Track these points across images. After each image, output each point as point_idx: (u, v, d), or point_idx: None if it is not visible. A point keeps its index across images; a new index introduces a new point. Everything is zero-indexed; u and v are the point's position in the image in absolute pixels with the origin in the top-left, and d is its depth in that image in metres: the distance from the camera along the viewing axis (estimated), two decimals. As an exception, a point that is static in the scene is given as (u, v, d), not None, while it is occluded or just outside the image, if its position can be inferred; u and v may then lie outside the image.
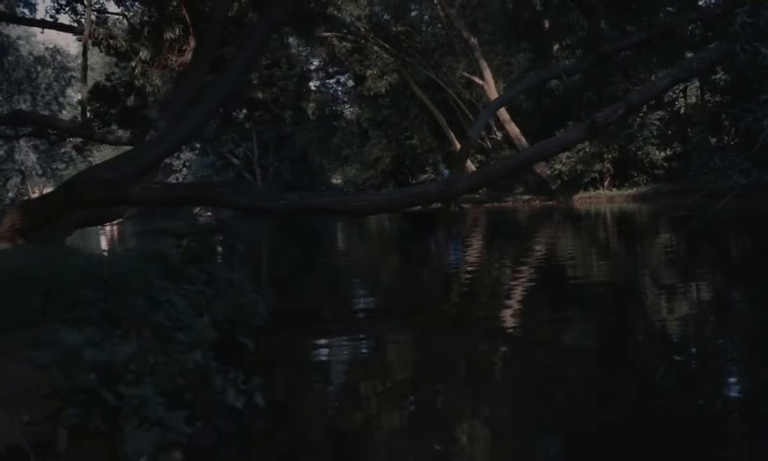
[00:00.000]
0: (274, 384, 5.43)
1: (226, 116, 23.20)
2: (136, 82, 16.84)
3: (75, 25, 17.85)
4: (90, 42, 16.24)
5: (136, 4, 17.91)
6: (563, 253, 13.50)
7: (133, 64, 16.73)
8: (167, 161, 64.90)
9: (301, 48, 42.17)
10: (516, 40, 33.08)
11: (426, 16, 40.10)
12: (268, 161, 52.30)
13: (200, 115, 12.42)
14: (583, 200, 31.07)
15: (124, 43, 16.91)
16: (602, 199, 30.10)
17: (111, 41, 16.94)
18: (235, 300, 5.41)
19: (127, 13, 18.90)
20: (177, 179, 71.07)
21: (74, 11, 17.91)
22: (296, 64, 31.04)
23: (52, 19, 19.34)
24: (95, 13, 18.75)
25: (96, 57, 34.22)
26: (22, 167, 50.50)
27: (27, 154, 49.01)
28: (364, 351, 6.77)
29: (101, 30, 17.21)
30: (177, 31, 16.02)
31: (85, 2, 15.63)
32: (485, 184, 13.04)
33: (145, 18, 16.96)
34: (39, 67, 31.96)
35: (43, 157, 51.10)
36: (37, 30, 41.38)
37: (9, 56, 26.97)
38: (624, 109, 9.95)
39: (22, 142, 39.35)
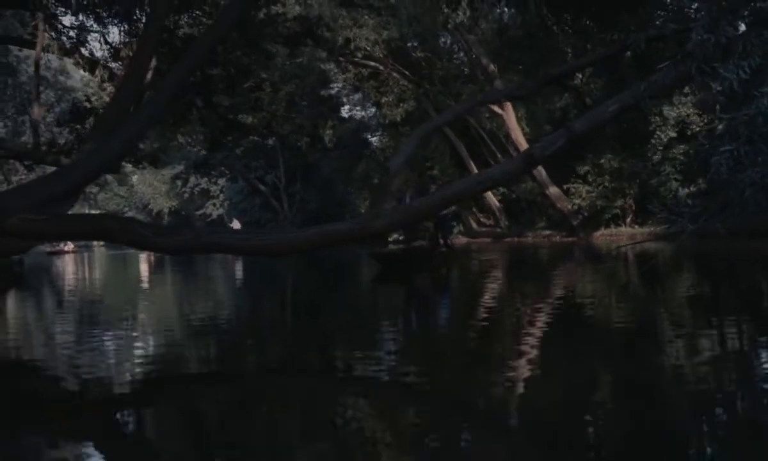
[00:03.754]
0: None
1: (213, 140, 22.38)
2: (87, 103, 16.09)
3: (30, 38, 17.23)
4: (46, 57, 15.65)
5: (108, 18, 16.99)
6: (574, 306, 11.47)
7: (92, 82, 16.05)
8: (204, 186, 63.12)
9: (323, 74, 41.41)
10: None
11: (448, 42, 38.84)
12: (295, 188, 51.68)
13: (124, 137, 11.44)
14: (603, 237, 29.26)
15: (81, 61, 16.24)
16: (623, 237, 28.20)
17: (68, 57, 16.30)
18: None
19: (103, 30, 18.20)
20: (214, 204, 71.00)
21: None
22: (283, 88, 30.06)
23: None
24: (75, 29, 18.19)
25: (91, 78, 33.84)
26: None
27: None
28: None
29: (55, 44, 16.55)
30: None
31: (37, 16, 14.94)
32: (409, 221, 11.65)
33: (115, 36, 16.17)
34: (41, 88, 31.72)
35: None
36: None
37: (10, 77, 26.82)
38: (564, 138, 8.54)
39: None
